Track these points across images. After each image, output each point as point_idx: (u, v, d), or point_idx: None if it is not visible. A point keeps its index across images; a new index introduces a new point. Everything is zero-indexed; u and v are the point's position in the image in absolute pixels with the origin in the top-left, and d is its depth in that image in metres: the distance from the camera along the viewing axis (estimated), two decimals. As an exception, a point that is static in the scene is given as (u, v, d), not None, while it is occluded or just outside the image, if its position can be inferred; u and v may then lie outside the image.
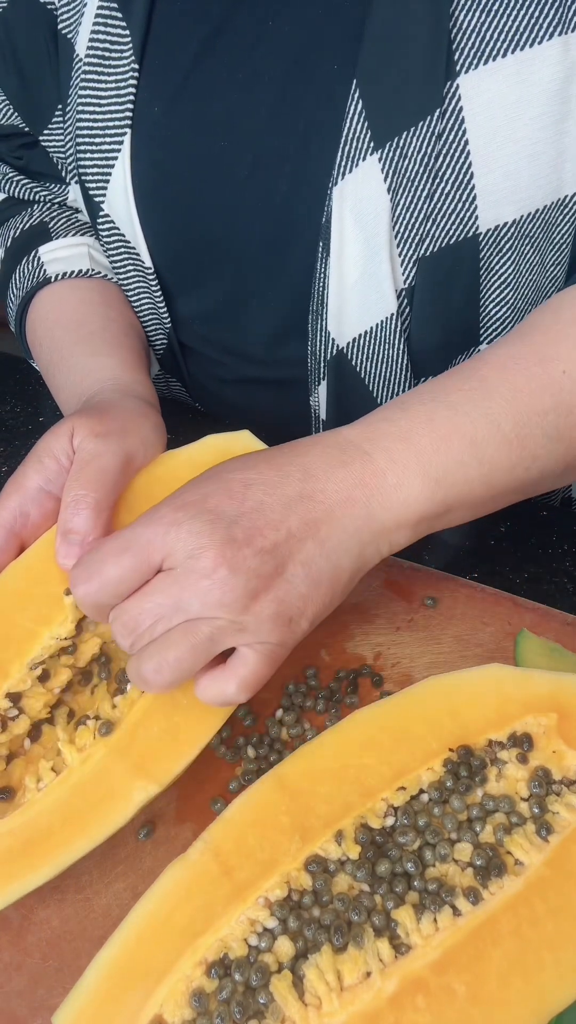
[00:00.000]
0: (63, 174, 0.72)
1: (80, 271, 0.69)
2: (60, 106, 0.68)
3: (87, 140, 0.63)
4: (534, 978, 0.37)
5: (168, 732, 0.47)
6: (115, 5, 0.60)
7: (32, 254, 0.70)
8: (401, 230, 0.56)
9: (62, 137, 0.69)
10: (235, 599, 0.43)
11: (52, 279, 0.69)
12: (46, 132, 0.70)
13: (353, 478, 0.47)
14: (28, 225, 0.72)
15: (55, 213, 0.73)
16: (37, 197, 0.73)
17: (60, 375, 0.66)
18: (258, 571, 0.44)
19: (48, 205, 0.74)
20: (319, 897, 0.40)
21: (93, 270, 0.69)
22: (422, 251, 0.56)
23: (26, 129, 0.71)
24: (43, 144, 0.71)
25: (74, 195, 0.72)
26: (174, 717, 0.47)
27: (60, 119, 0.68)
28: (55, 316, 0.69)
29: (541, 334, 0.50)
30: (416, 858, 0.40)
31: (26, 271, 0.70)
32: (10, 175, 0.74)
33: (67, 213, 0.73)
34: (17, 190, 0.73)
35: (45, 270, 0.69)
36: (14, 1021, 0.41)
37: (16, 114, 0.70)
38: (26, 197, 0.74)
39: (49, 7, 0.65)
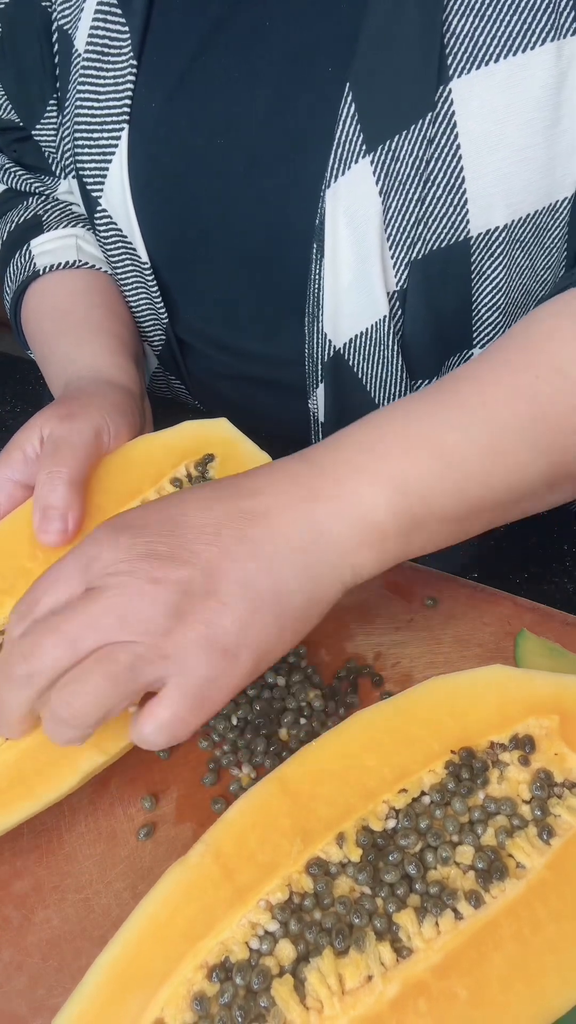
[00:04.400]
0: (54, 168, 0.72)
1: (67, 262, 0.69)
2: (52, 101, 0.68)
3: (85, 134, 0.63)
4: (536, 982, 0.37)
5: None
6: (115, 1, 0.60)
7: (24, 247, 0.71)
8: (393, 233, 0.56)
9: (54, 132, 0.70)
10: (153, 617, 0.39)
11: (40, 272, 0.69)
12: (38, 127, 0.70)
13: (302, 490, 0.43)
14: (23, 219, 0.72)
15: (50, 205, 0.73)
16: (33, 189, 0.74)
17: (49, 366, 0.67)
18: (184, 588, 0.39)
19: (43, 197, 0.74)
20: (320, 900, 0.39)
21: (80, 261, 0.70)
22: (414, 254, 0.56)
23: (20, 124, 0.71)
24: (35, 139, 0.71)
25: (64, 189, 0.73)
26: None
27: (52, 114, 0.69)
28: (44, 308, 0.69)
29: (517, 347, 0.48)
30: (418, 861, 0.40)
31: (18, 265, 0.71)
32: (7, 166, 0.74)
33: (61, 205, 0.73)
34: (16, 182, 0.74)
35: (35, 263, 0.70)
36: (14, 1021, 0.41)
37: (12, 109, 0.70)
38: (24, 189, 0.74)
39: (44, 3, 0.65)
